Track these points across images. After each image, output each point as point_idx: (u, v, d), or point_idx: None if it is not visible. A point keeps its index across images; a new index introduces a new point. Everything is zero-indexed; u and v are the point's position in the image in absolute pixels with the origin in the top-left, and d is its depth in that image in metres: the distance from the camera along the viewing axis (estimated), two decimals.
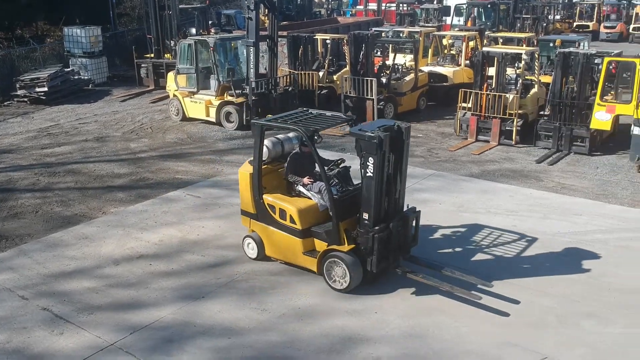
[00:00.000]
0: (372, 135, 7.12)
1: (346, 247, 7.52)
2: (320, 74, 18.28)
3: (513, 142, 14.44)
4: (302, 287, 7.80)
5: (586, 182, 11.90)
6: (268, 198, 8.12)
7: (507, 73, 15.48)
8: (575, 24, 36.31)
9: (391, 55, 18.70)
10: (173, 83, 17.13)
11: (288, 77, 17.61)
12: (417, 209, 7.93)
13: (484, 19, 27.47)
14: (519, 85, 15.05)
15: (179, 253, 8.86)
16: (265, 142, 8.24)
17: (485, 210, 10.37)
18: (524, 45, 18.86)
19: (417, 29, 21.10)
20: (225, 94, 16.29)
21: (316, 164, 7.94)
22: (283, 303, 7.44)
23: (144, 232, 9.59)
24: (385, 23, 28.92)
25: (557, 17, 35.46)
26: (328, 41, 19.04)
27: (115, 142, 15.32)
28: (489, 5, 26.70)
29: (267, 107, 16.10)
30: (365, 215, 7.40)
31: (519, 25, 25.95)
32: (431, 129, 16.25)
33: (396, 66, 18.06)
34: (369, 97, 16.33)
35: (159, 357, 6.40)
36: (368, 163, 7.23)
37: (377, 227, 7.34)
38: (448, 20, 28.13)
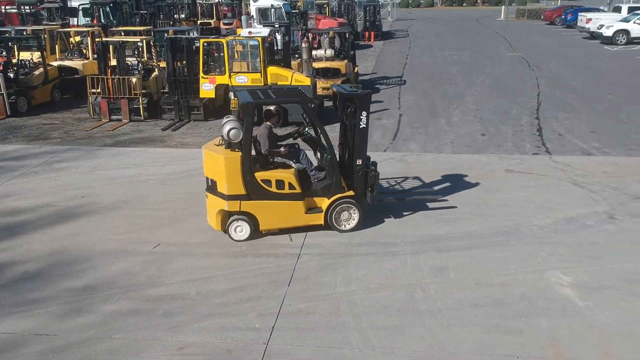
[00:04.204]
0: (366, 92, 8.77)
1: (351, 192, 8.88)
2: None
3: (142, 118, 16.73)
4: None
5: (200, 139, 14.83)
6: (261, 174, 8.58)
7: (130, 60, 17.69)
8: (199, 21, 40.74)
9: (17, 53, 19.20)
10: None
11: None
12: None
13: (111, 17, 29.26)
14: (140, 69, 17.44)
15: None
16: (232, 124, 8.39)
17: (116, 167, 12.44)
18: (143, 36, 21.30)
19: (40, 27, 21.74)
20: None
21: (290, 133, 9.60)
22: None
23: None
24: (7, 24, 28.41)
25: (183, 15, 39.25)
26: None
27: None
28: (111, 5, 28.56)
29: None
30: (359, 161, 8.86)
31: (138, 20, 28.54)
32: (67, 117, 17.47)
33: (23, 62, 18.69)
34: None
35: None
36: (362, 117, 8.67)
37: (372, 167, 9.01)
38: (74, 20, 29.07)
